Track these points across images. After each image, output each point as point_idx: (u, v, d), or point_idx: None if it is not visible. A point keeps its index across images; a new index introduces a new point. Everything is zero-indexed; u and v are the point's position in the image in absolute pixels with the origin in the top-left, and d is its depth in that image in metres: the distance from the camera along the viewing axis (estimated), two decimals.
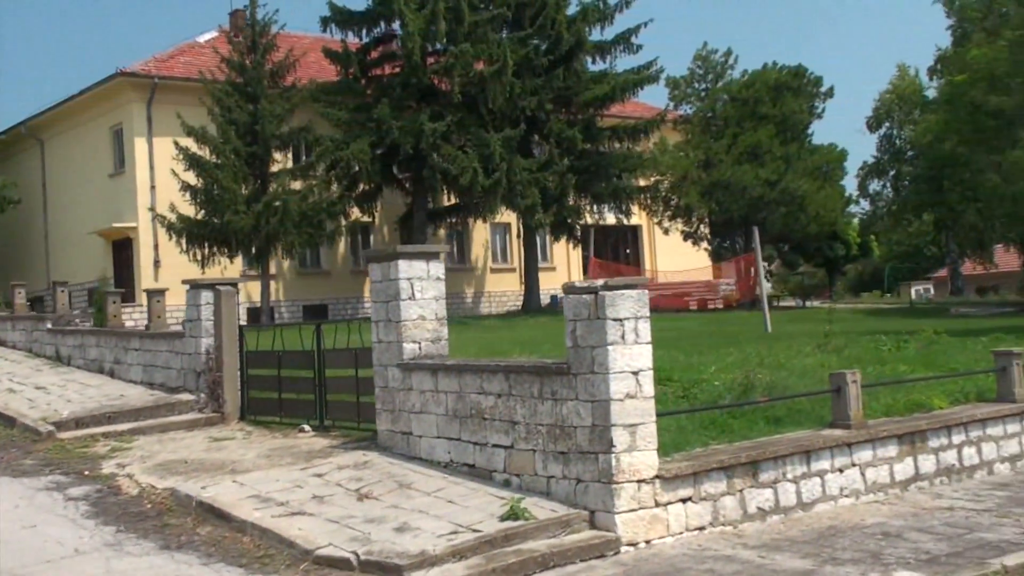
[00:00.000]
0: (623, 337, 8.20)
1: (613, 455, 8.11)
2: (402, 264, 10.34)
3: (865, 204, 47.98)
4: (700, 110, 36.17)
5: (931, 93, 34.44)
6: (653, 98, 55.62)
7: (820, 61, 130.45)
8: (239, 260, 31.09)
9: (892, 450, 10.14)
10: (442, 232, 38.66)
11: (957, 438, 10.80)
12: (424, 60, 31.84)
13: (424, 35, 31.05)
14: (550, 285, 42.72)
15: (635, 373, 8.25)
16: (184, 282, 14.45)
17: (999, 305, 35.35)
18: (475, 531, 7.95)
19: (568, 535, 8.07)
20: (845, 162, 39.48)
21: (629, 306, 8.24)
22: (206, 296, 13.60)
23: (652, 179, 35.98)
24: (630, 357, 8.23)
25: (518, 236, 38.22)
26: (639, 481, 8.20)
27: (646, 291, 8.41)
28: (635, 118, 36.15)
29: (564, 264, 42.92)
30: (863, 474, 9.86)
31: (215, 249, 29.05)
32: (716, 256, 43.06)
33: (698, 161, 35.10)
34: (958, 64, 19.59)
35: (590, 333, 8.27)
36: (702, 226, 37.16)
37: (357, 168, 31.10)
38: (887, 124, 44.31)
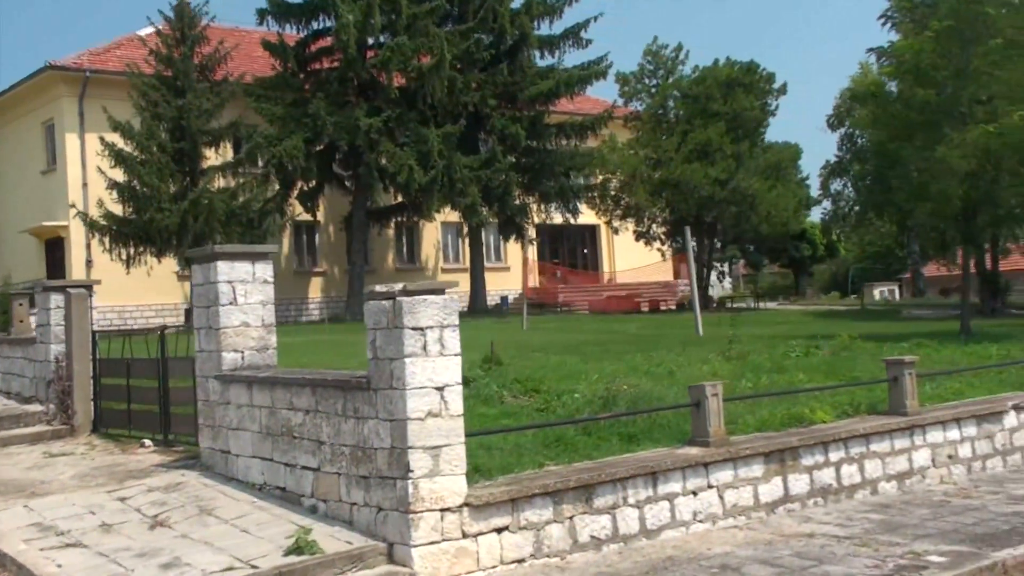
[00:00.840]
0: (425, 348, 7.31)
1: (411, 481, 7.21)
2: (222, 265, 9.43)
3: (828, 204, 47.17)
4: (650, 107, 35.28)
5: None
6: (611, 95, 54.38)
7: (784, 56, 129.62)
8: (172, 261, 30.07)
9: (757, 470, 9.29)
10: (390, 232, 37.79)
11: (835, 455, 9.96)
12: (363, 54, 30.93)
13: (361, 28, 30.10)
14: (504, 286, 41.90)
15: (440, 389, 7.36)
16: (35, 285, 13.49)
17: (956, 307, 34.63)
18: (252, 567, 7.05)
19: (359, 571, 7.18)
20: (799, 160, 38.70)
21: (432, 313, 7.36)
22: (56, 299, 12.64)
23: (602, 177, 35.13)
24: (433, 371, 7.34)
25: (464, 236, 37.24)
26: (443, 510, 7.31)
27: (454, 296, 7.52)
28: (588, 114, 35.28)
29: (519, 264, 42.06)
30: (721, 497, 9.00)
31: (141, 249, 28.05)
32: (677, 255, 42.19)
33: (648, 159, 34.23)
34: (889, 56, 18.79)
35: (388, 344, 7.38)
36: (655, 225, 36.25)
37: (292, 165, 30.09)
38: (848, 122, 43.46)
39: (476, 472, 7.98)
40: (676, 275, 43.26)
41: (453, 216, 35.40)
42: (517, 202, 34.52)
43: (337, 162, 32.71)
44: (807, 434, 9.85)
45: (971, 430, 11.39)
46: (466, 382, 10.83)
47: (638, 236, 36.62)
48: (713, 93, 33.82)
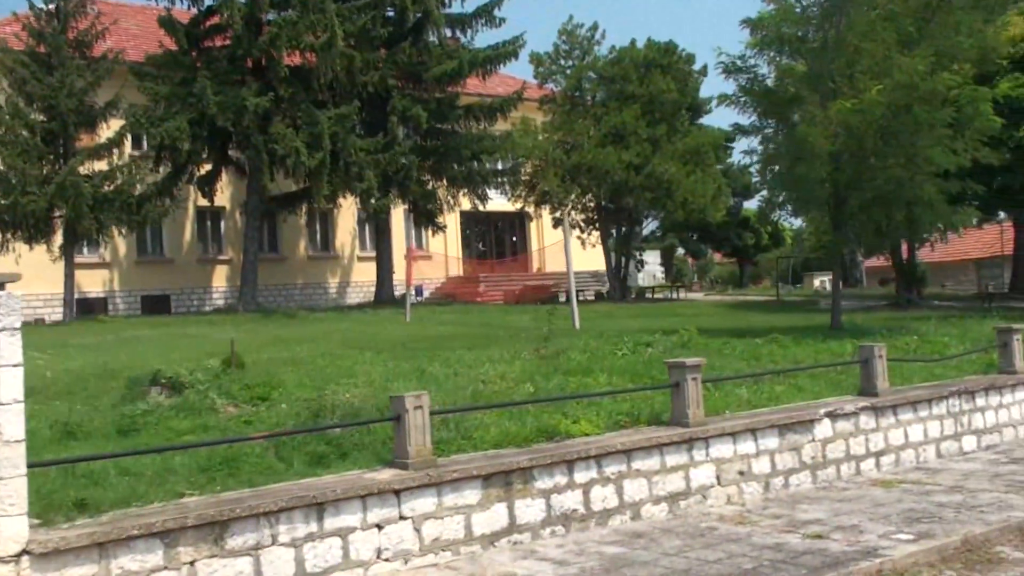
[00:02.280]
0: None
1: None
2: None
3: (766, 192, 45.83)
4: (565, 89, 33.77)
5: None
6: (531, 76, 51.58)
7: (732, 40, 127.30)
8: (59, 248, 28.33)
9: (472, 496, 7.86)
10: (302, 218, 36.18)
11: (583, 476, 8.55)
12: (256, 31, 29.25)
13: (250, 3, 28.47)
14: (425, 275, 40.45)
15: None
16: None
17: (879, 299, 33.48)
18: None
19: None
20: (726, 144, 37.20)
21: None
22: None
23: (513, 161, 33.66)
24: None
25: (368, 222, 35.60)
26: None
27: (13, 293, 6.02)
28: (498, 96, 33.78)
29: (441, 253, 40.61)
30: (418, 530, 7.57)
31: (8, 235, 26.37)
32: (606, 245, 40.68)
33: (562, 143, 32.77)
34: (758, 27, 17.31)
35: None
36: (573, 212, 34.78)
37: (178, 147, 28.43)
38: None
39: (80, 507, 6.54)
40: (617, 264, 41.88)
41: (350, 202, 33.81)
42: (429, 187, 33.11)
43: (234, 145, 31.08)
44: (546, 451, 8.44)
45: (771, 442, 10.00)
46: (181, 388, 9.41)
47: (556, 223, 35.17)
48: (629, 75, 32.36)
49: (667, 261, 50.83)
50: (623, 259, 35.39)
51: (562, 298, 36.24)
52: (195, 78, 29.05)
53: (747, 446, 9.80)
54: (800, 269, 54.08)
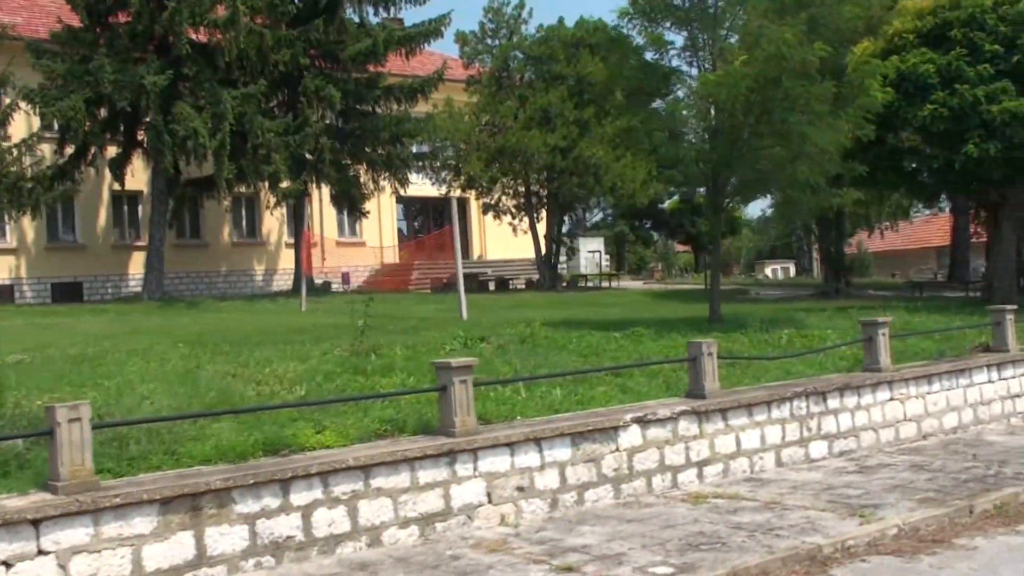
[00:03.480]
0: None
1: None
2: None
3: None
4: (492, 69, 32.48)
5: None
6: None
7: None
8: None
9: (144, 524, 6.65)
10: (224, 203, 34.77)
11: (304, 496, 7.35)
12: (160, 6, 27.84)
13: None
14: (359, 261, 39.24)
15: None
16: None
17: (809, 288, 32.45)
18: None
19: None
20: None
21: None
22: None
23: (436, 145, 32.39)
24: None
25: (288, 207, 34.16)
26: None
27: None
28: (418, 76, 32.46)
29: (376, 239, 39.34)
30: (64, 567, 6.36)
31: None
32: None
33: (487, 125, 31.51)
34: None
35: None
36: (504, 198, 33.56)
37: (74, 127, 27.07)
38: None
39: None
40: (548, 252, 40.73)
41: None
42: (351, 172, 31.84)
43: (143, 126, 29.69)
44: (253, 469, 7.23)
45: (562, 452, 8.83)
46: None
47: (485, 209, 34.03)
48: (557, 54, 31.10)
49: (619, 249, 49.66)
50: (554, 246, 34.19)
51: (491, 286, 35.18)
52: (95, 55, 27.72)
53: (530, 458, 8.63)
54: (764, 256, 53.14)
